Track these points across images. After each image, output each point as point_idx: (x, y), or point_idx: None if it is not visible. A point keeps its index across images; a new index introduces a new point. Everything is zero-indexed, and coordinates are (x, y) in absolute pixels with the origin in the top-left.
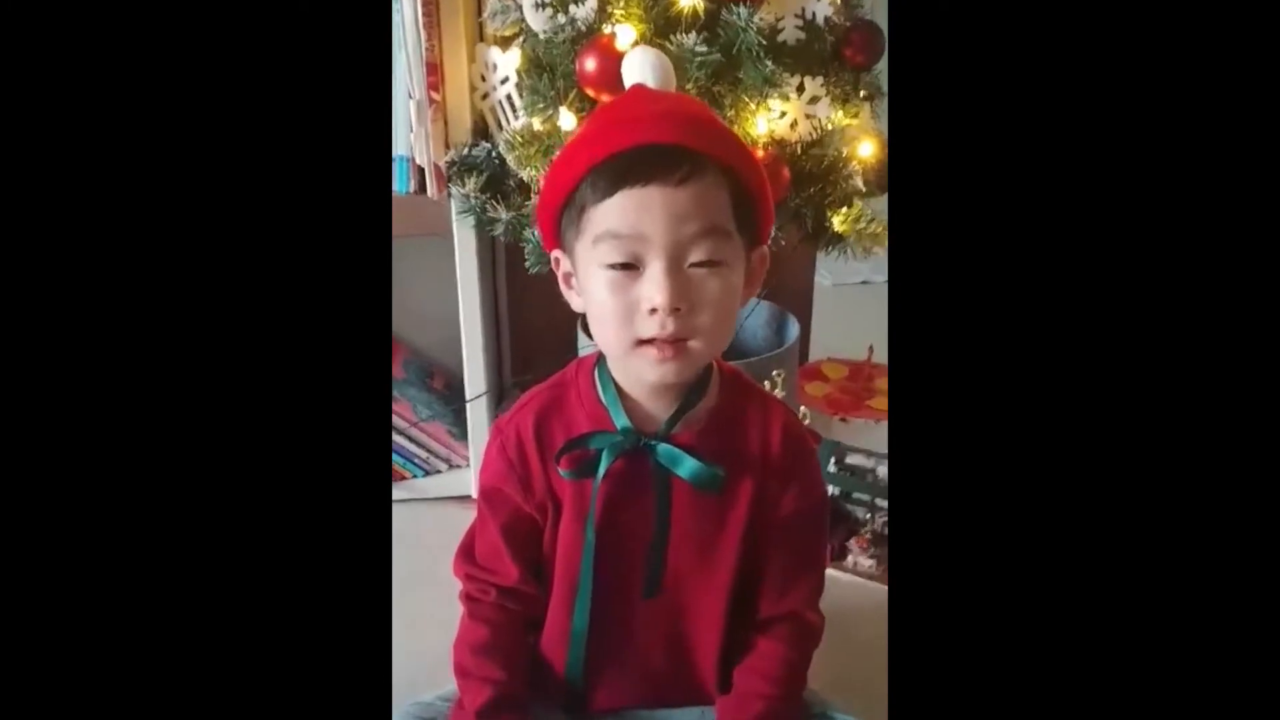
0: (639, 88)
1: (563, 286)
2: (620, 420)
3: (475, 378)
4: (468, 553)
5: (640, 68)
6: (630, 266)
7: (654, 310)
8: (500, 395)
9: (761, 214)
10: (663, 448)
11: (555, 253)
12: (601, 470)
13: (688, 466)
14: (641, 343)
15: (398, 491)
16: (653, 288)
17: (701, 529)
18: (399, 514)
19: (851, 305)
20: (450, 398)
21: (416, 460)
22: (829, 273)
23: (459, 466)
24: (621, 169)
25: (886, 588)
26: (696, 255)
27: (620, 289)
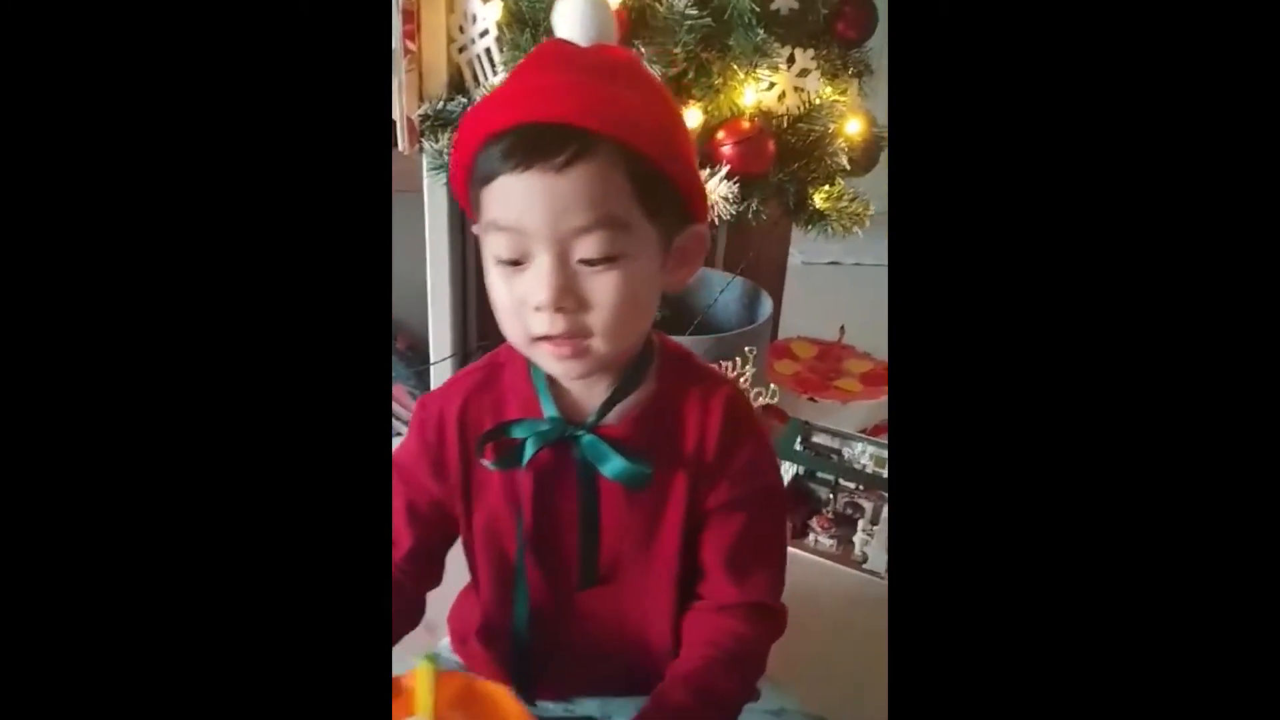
0: (554, 46)
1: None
2: (548, 408)
3: (441, 340)
4: None
5: (568, 19)
6: (518, 260)
7: (539, 308)
8: (465, 359)
9: (683, 191)
10: (587, 440)
11: (476, 228)
12: (525, 460)
13: (612, 465)
14: (537, 340)
15: None
16: (536, 284)
17: (637, 522)
18: None
19: (820, 285)
20: (413, 359)
21: None
22: (798, 251)
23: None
24: (505, 150)
25: (846, 568)
26: (584, 252)
27: (509, 281)
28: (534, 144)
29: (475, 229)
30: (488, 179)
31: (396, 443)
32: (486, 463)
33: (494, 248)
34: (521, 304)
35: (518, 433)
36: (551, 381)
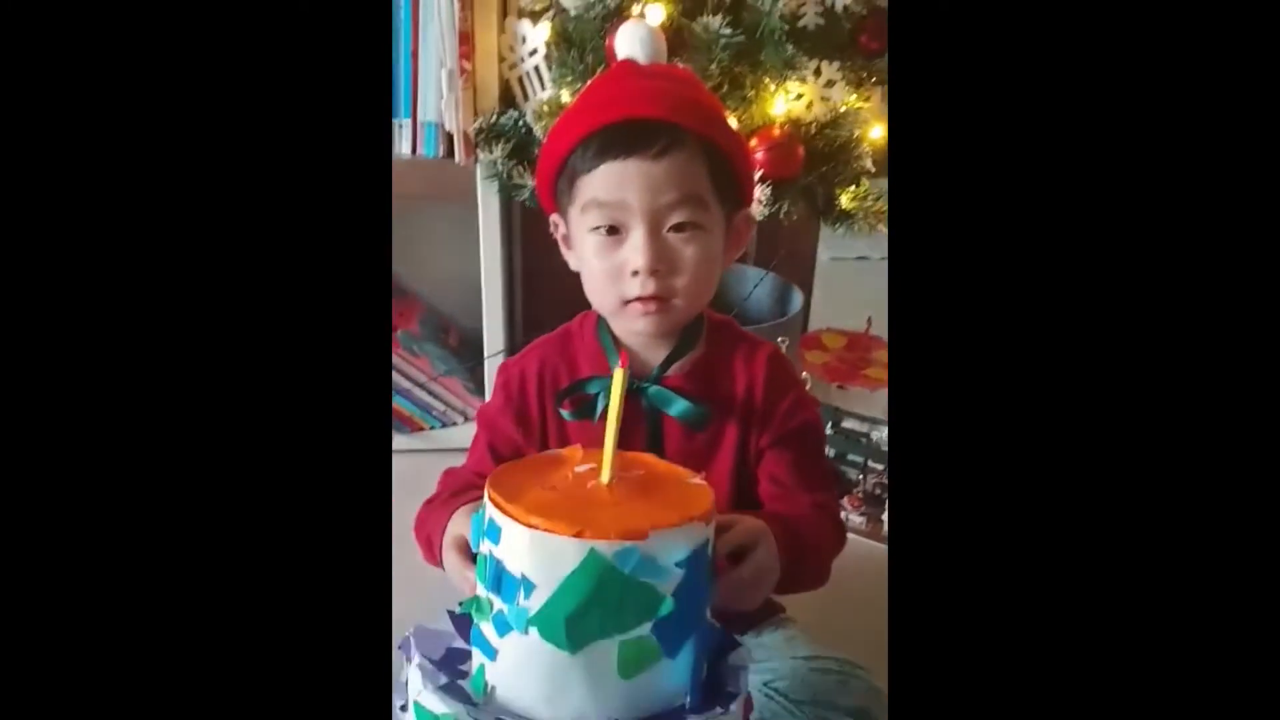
0: (628, 63)
1: (562, 247)
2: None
3: (494, 336)
4: (450, 470)
5: (630, 42)
6: (615, 231)
7: (636, 272)
8: (513, 353)
9: (740, 181)
10: (653, 389)
11: (554, 216)
12: (598, 413)
13: (677, 406)
14: (628, 302)
15: (415, 441)
16: (634, 251)
17: (695, 465)
18: (416, 462)
19: (848, 279)
20: (464, 354)
21: (434, 412)
22: (828, 248)
23: (474, 420)
24: (606, 142)
25: (877, 543)
26: (674, 220)
27: (607, 252)
28: (635, 136)
29: (553, 218)
30: (589, 168)
31: (415, 437)
32: (565, 413)
33: (594, 221)
34: (619, 271)
35: (591, 388)
36: (618, 344)
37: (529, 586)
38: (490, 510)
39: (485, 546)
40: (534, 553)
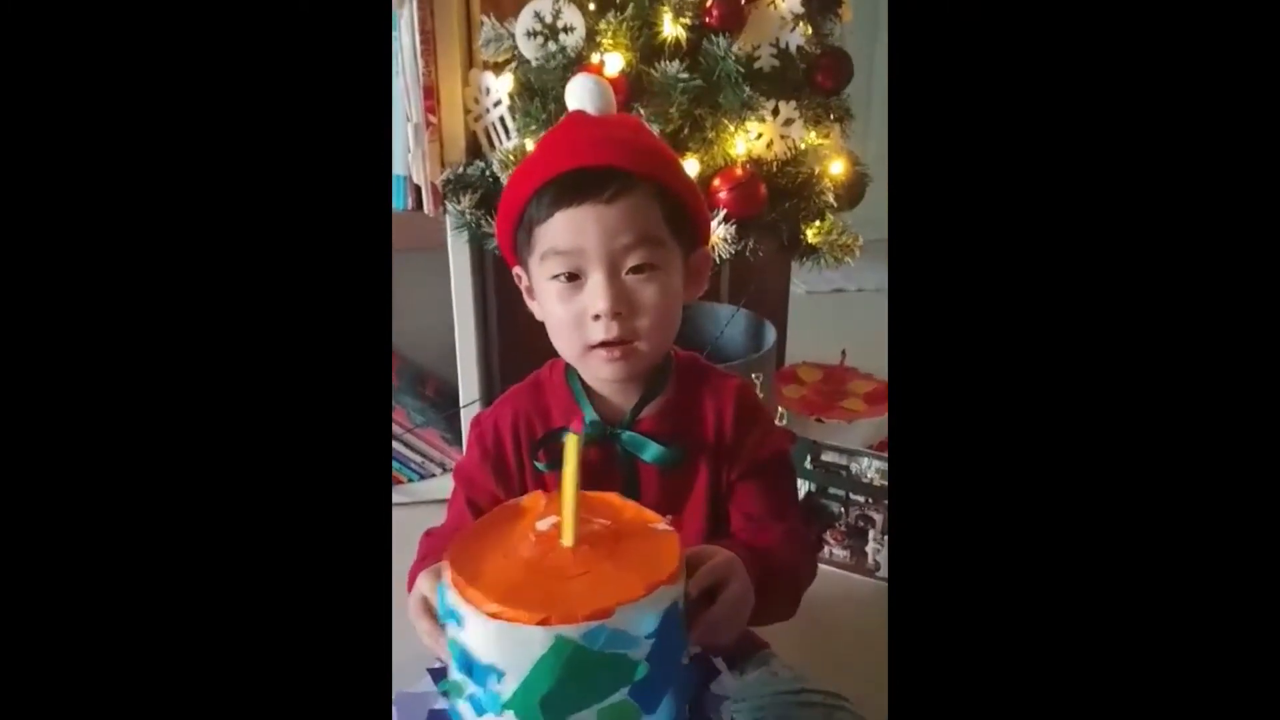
0: (578, 114)
1: (526, 298)
2: (588, 414)
3: (469, 385)
4: (430, 530)
5: (579, 95)
6: (574, 277)
7: (598, 316)
8: (491, 401)
9: (694, 220)
10: (627, 435)
11: (517, 269)
12: None
13: (650, 451)
14: (592, 347)
15: (394, 495)
16: (594, 295)
17: (670, 504)
18: (395, 516)
19: (824, 311)
20: (442, 405)
21: (412, 465)
22: (802, 281)
23: (452, 470)
24: (559, 191)
25: (861, 576)
26: (632, 262)
27: (568, 299)
28: (587, 183)
29: (516, 270)
30: (545, 218)
31: (393, 490)
32: (540, 465)
33: (553, 269)
34: (580, 316)
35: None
36: (588, 390)
37: (499, 673)
38: (451, 596)
39: (452, 630)
40: (500, 642)
